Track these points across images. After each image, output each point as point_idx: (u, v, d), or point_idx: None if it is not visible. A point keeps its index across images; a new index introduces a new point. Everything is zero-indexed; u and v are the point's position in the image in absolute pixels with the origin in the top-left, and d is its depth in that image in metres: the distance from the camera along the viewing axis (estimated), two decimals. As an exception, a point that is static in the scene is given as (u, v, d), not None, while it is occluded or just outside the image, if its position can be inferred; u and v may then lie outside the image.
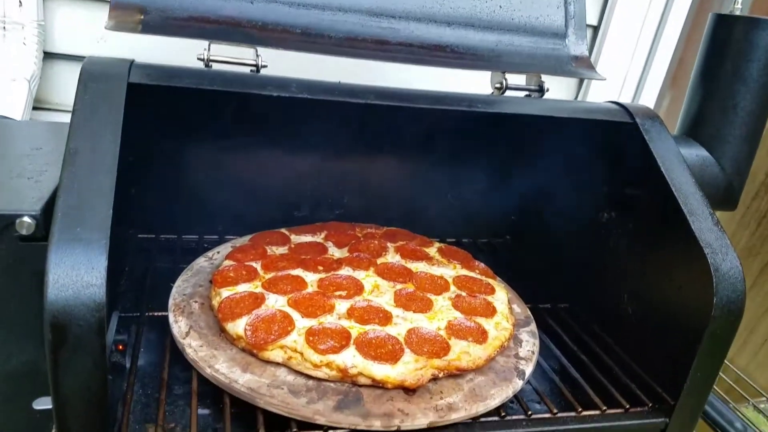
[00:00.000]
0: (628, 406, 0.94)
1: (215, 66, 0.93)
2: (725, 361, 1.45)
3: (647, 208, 1.01)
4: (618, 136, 1.04)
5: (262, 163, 1.29)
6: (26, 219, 0.72)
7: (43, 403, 0.78)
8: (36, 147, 0.98)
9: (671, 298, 0.95)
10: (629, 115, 1.00)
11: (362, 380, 0.86)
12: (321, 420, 0.79)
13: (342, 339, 0.90)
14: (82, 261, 0.64)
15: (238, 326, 0.90)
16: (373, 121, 1.23)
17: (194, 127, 1.21)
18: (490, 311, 1.04)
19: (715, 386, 1.27)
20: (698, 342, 0.87)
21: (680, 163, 0.95)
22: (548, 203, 1.34)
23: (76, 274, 0.64)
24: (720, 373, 1.41)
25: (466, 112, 0.90)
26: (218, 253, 1.16)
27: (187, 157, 1.25)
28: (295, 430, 0.79)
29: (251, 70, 0.94)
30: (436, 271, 1.15)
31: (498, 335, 0.98)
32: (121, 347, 0.96)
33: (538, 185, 1.36)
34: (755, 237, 1.29)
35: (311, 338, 0.89)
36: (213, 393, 0.88)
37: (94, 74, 0.82)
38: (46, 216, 0.73)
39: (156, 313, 1.00)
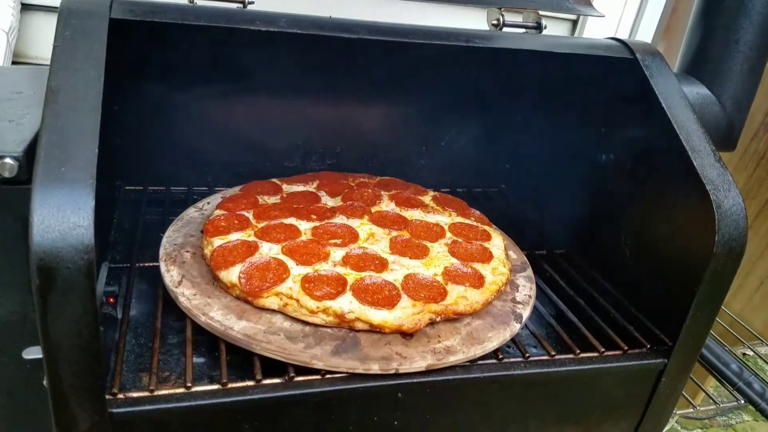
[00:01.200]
0: (626, 348, 0.94)
1: (200, 3, 0.88)
2: (716, 316, 1.46)
3: (648, 147, 0.99)
4: (618, 73, 1.01)
5: (251, 110, 1.25)
6: (8, 160, 0.69)
7: (33, 353, 0.76)
8: (16, 91, 0.93)
9: (671, 238, 0.94)
10: (629, 51, 0.96)
11: (359, 325, 0.85)
12: (319, 364, 0.78)
13: (338, 285, 0.88)
14: (68, 201, 0.62)
15: (231, 274, 0.88)
16: (365, 62, 1.18)
17: (180, 72, 1.16)
18: (486, 257, 1.03)
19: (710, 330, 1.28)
20: (698, 281, 0.86)
21: (682, 100, 0.93)
22: (545, 148, 1.31)
23: (63, 215, 0.61)
24: (716, 318, 1.42)
25: (462, 49, 0.87)
26: (208, 203, 1.13)
27: (173, 105, 1.20)
28: (292, 374, 0.78)
29: (238, 7, 0.89)
30: (432, 218, 1.13)
31: (495, 280, 0.97)
32: (111, 300, 0.94)
33: (535, 130, 1.33)
34: (753, 179, 1.28)
35: (307, 285, 0.87)
36: (207, 342, 0.87)
37: (75, 10, 0.78)
38: (28, 158, 0.70)
39: (147, 264, 0.98)
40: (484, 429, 0.89)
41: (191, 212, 1.09)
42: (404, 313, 0.86)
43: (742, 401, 1.07)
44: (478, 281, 0.95)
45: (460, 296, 0.91)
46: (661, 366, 0.93)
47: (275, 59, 1.13)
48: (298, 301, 0.85)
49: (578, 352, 0.91)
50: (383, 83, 1.27)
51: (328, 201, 1.15)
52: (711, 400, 1.14)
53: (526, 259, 1.12)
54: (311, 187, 1.19)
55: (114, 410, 0.69)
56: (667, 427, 2.05)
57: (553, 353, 0.90)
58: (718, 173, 0.86)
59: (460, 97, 1.34)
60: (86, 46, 0.74)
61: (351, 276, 0.91)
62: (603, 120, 1.10)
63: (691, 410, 1.07)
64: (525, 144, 1.35)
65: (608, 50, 0.96)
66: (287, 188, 1.17)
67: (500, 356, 0.87)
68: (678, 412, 2.09)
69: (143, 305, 0.94)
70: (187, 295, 0.87)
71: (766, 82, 1.26)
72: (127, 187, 1.22)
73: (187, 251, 0.97)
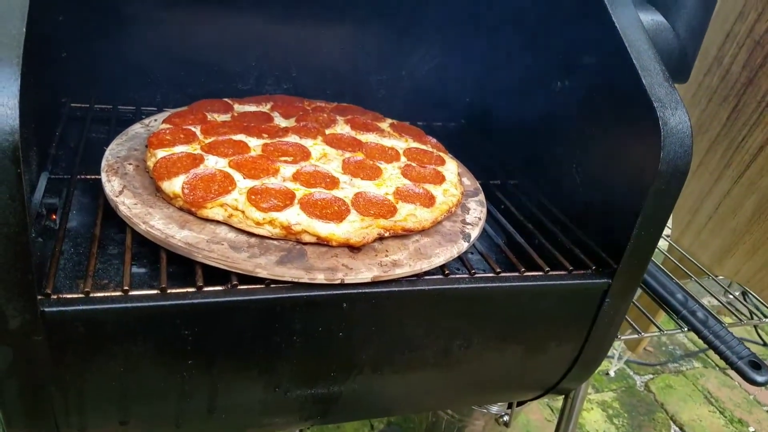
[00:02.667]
0: (571, 269, 0.95)
1: None
2: (671, 242, 1.50)
3: (598, 71, 0.98)
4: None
5: (205, 27, 1.20)
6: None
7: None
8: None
9: (618, 160, 0.95)
10: (588, -29, 0.95)
11: (306, 238, 0.84)
12: (263, 273, 0.78)
13: (286, 199, 0.87)
14: (-9, 80, 0.58)
15: (174, 184, 0.86)
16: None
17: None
18: (439, 180, 1.02)
19: (661, 265, 1.31)
20: (643, 200, 0.86)
21: (635, 20, 0.92)
22: (503, 81, 1.30)
23: (-16, 95, 0.58)
24: (665, 253, 1.46)
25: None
26: (155, 120, 1.09)
27: (121, 19, 1.14)
28: (235, 282, 0.77)
29: None
30: (387, 142, 1.12)
31: (445, 200, 0.97)
32: (54, 216, 0.91)
33: (493, 60, 1.32)
34: (705, 114, 1.29)
35: (253, 197, 0.85)
36: (149, 254, 0.85)
37: None
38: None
39: (89, 176, 0.95)
40: (429, 343, 0.90)
41: (137, 128, 1.06)
42: (352, 227, 0.85)
43: (686, 328, 1.10)
44: (428, 201, 0.95)
45: (409, 214, 0.91)
46: (605, 286, 0.94)
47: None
48: (243, 212, 0.83)
49: (523, 270, 0.92)
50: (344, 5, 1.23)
51: (281, 122, 1.12)
52: (657, 329, 1.17)
53: (479, 185, 1.12)
54: (265, 108, 1.16)
55: (46, 309, 0.67)
56: (616, 367, 2.13)
57: (498, 270, 0.91)
58: (666, 92, 0.86)
59: (420, 23, 1.31)
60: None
61: (300, 191, 0.90)
62: (558, 45, 1.09)
63: (636, 336, 1.10)
64: (484, 75, 1.34)
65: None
66: (239, 108, 1.13)
67: (446, 272, 0.88)
68: (626, 357, 2.17)
69: (84, 217, 0.92)
70: (128, 204, 0.84)
71: (720, 15, 1.26)
72: (72, 104, 1.17)
73: (130, 164, 0.94)
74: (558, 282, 0.93)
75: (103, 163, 0.93)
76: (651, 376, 2.36)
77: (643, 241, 0.90)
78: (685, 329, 1.08)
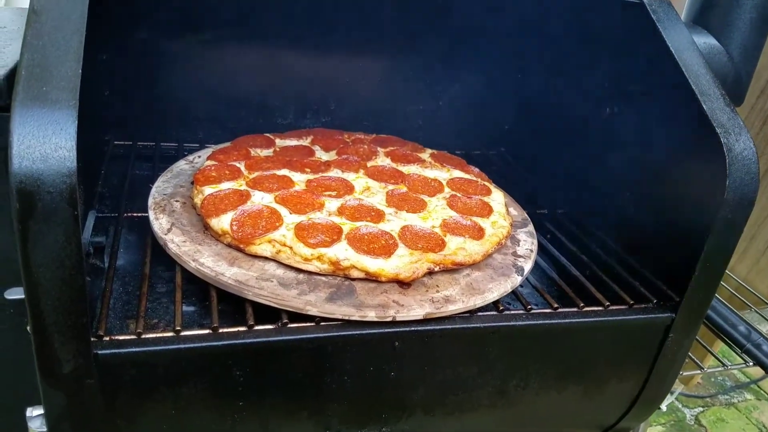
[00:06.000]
0: (632, 302, 0.91)
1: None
2: (726, 270, 1.43)
3: (654, 96, 0.95)
4: (624, 19, 0.97)
5: (243, 62, 1.21)
6: (-13, 86, 0.65)
7: (16, 293, 0.73)
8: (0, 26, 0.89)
9: (680, 189, 0.91)
10: (637, -6, 0.93)
11: (355, 273, 0.82)
12: (313, 311, 0.75)
13: (333, 234, 0.85)
14: (50, 121, 0.58)
15: (223, 221, 0.85)
16: (360, 10, 1.15)
17: (171, 24, 1.12)
18: (486, 211, 1.00)
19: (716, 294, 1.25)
20: (708, 230, 0.82)
21: (690, 44, 0.89)
22: (546, 106, 1.28)
23: (44, 135, 0.57)
24: (722, 283, 1.39)
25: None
26: (199, 156, 1.09)
27: (163, 58, 1.16)
28: (286, 321, 0.75)
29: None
30: (430, 173, 1.10)
31: (495, 232, 0.94)
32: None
33: (535, 86, 1.30)
34: (759, 137, 1.24)
35: (301, 232, 0.84)
36: (198, 291, 0.84)
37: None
38: (9, 84, 0.66)
39: (135, 214, 0.95)
40: (483, 383, 0.86)
41: (181, 164, 1.06)
42: (401, 261, 0.83)
43: (751, 363, 1.04)
44: (477, 233, 0.92)
45: (459, 247, 0.88)
46: (668, 321, 0.90)
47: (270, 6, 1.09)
48: (291, 248, 0.82)
49: (582, 305, 0.88)
50: (379, 36, 1.23)
51: (322, 155, 1.11)
52: (720, 363, 1.11)
53: (526, 215, 1.09)
54: (305, 142, 1.15)
55: (99, 352, 0.66)
56: (666, 402, 2.03)
57: (555, 306, 0.87)
58: (728, 117, 0.83)
59: (456, 52, 1.30)
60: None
61: (347, 225, 0.88)
62: (609, 71, 1.06)
63: (699, 371, 1.04)
64: (524, 102, 1.32)
65: (615, -7, 0.93)
66: (280, 142, 1.13)
67: (501, 308, 0.84)
68: (678, 391, 2.08)
69: (132, 255, 0.91)
70: (177, 242, 0.83)
71: (775, 36, 1.22)
72: (116, 142, 1.18)
73: (177, 201, 0.94)
74: (619, 317, 0.88)
75: (150, 200, 0.93)
76: (701, 408, 2.25)
77: (709, 272, 0.86)
78: (750, 363, 1.02)
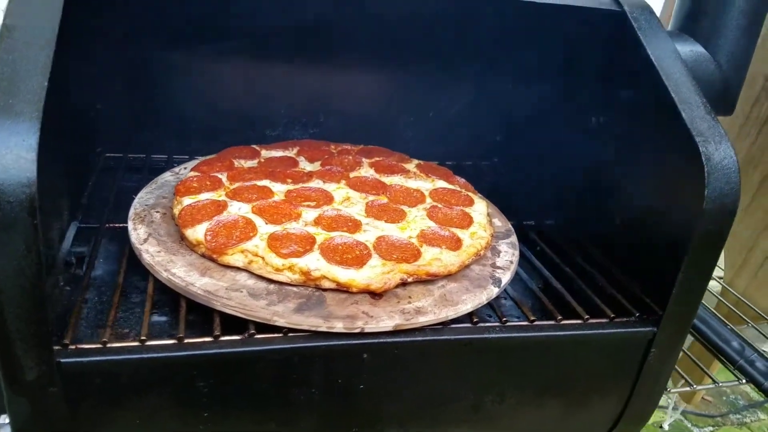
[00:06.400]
0: (613, 316, 0.89)
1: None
2: (724, 284, 1.40)
3: (637, 105, 0.94)
4: (606, 28, 0.96)
5: (232, 75, 1.22)
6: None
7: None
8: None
9: (661, 199, 0.89)
10: (617, 4, 0.91)
11: (326, 284, 0.81)
12: (280, 321, 0.75)
13: (306, 244, 0.85)
14: (12, 132, 0.60)
15: (197, 232, 0.85)
16: (348, 23, 1.15)
17: (161, 36, 1.14)
18: (466, 222, 0.99)
19: (714, 310, 1.22)
20: (688, 241, 0.80)
21: (672, 52, 0.88)
22: (535, 117, 1.26)
23: (6, 146, 0.59)
24: (718, 296, 1.36)
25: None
26: (185, 168, 1.10)
27: (155, 70, 1.18)
28: (252, 331, 0.74)
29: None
30: (413, 184, 1.09)
31: (473, 243, 0.93)
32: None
33: (524, 98, 1.29)
34: (755, 147, 1.21)
35: (273, 243, 0.84)
36: (171, 302, 0.84)
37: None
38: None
39: (117, 225, 0.96)
40: (458, 397, 0.85)
41: (167, 176, 1.07)
42: (373, 272, 0.82)
43: (744, 380, 1.01)
44: (455, 244, 0.91)
45: (434, 258, 0.87)
46: (650, 335, 0.87)
47: (260, 20, 1.10)
48: (263, 258, 0.82)
49: (560, 318, 0.86)
50: (368, 48, 1.23)
51: (306, 166, 1.11)
52: (712, 381, 1.08)
53: (510, 226, 1.07)
54: (291, 153, 1.16)
55: (62, 360, 0.67)
56: (669, 421, 1.98)
57: (532, 318, 0.85)
58: (708, 125, 0.81)
59: (445, 63, 1.30)
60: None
61: (321, 235, 0.88)
62: (594, 81, 1.05)
63: (689, 388, 1.01)
64: (515, 113, 1.31)
65: (594, 2, 0.92)
66: (266, 153, 1.14)
67: (475, 320, 0.83)
68: (682, 408, 2.02)
69: (111, 265, 0.92)
70: (151, 252, 0.84)
71: (766, 43, 1.20)
72: (107, 154, 1.20)
73: (158, 212, 0.95)
74: (598, 331, 0.86)
75: (131, 211, 0.94)
76: (711, 428, 2.18)
77: (691, 285, 0.84)
78: (743, 381, 0.99)
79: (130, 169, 1.17)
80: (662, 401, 2.19)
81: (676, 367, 1.07)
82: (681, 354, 0.93)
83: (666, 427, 1.87)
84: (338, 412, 0.81)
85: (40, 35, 0.68)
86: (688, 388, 1.00)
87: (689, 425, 2.13)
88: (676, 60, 0.87)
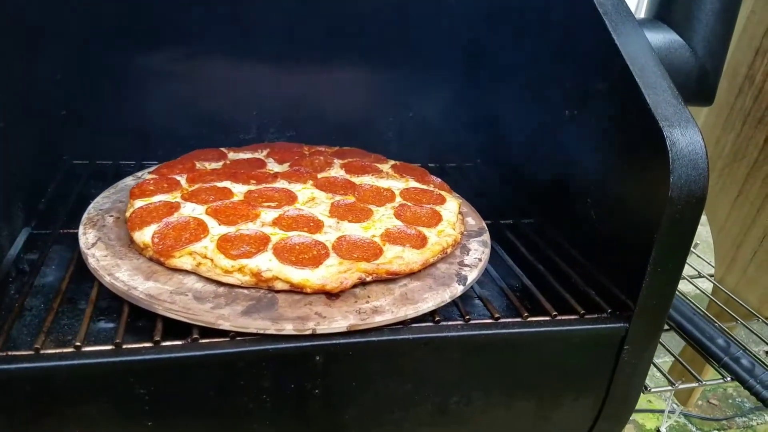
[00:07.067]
0: (583, 312, 0.84)
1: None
2: (714, 281, 1.35)
3: (609, 96, 0.90)
4: (571, 14, 0.93)
5: (203, 78, 1.20)
6: None
7: None
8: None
9: (629, 190, 0.85)
10: (579, -12, 0.88)
11: (279, 285, 0.78)
12: (225, 325, 0.72)
13: (260, 244, 0.82)
14: None
15: (145, 234, 0.82)
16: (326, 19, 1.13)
17: (129, 39, 1.12)
18: (435, 220, 0.95)
19: (705, 310, 1.17)
20: (656, 231, 0.76)
21: (639, 37, 0.84)
22: (517, 117, 1.23)
23: None
24: (709, 295, 1.31)
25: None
26: (149, 172, 1.07)
27: (122, 73, 1.16)
28: (195, 336, 0.71)
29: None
30: (384, 183, 1.06)
31: (439, 241, 0.89)
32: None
33: (506, 97, 1.25)
34: (741, 138, 1.16)
35: (224, 244, 0.81)
36: (119, 308, 0.81)
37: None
38: None
39: (71, 230, 0.93)
40: (421, 400, 0.81)
41: (128, 180, 1.04)
42: (329, 271, 0.79)
43: (729, 378, 0.96)
44: (419, 242, 0.88)
45: (395, 256, 0.84)
46: (623, 331, 0.83)
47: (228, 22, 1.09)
48: (212, 260, 0.78)
49: (526, 315, 0.82)
50: (348, 46, 1.21)
51: (274, 167, 1.08)
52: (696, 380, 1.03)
53: (484, 225, 1.04)
54: (260, 155, 1.13)
55: (-10, 367, 0.64)
56: (667, 423, 1.91)
57: (497, 316, 0.81)
58: (675, 110, 0.77)
59: (423, 63, 1.27)
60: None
61: (277, 236, 0.85)
62: (565, 74, 1.01)
63: (670, 387, 0.96)
64: (497, 113, 1.27)
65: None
66: (233, 156, 1.11)
67: (437, 318, 0.79)
68: (679, 410, 1.95)
69: (62, 272, 0.89)
70: (97, 257, 0.81)
71: (747, 32, 1.16)
72: (74, 161, 1.18)
73: (111, 216, 0.92)
74: (567, 327, 0.82)
75: (84, 216, 0.91)
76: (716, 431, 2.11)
77: (661, 277, 0.79)
78: (728, 378, 0.94)
79: (96, 175, 1.15)
80: (660, 404, 2.12)
81: (661, 368, 1.02)
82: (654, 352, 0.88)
83: (663, 430, 1.80)
84: (293, 420, 0.77)
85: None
86: (669, 387, 0.95)
87: (693, 429, 2.06)
88: (642, 45, 0.84)
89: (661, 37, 0.97)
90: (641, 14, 1.49)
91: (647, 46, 0.85)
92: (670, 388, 0.95)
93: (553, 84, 1.07)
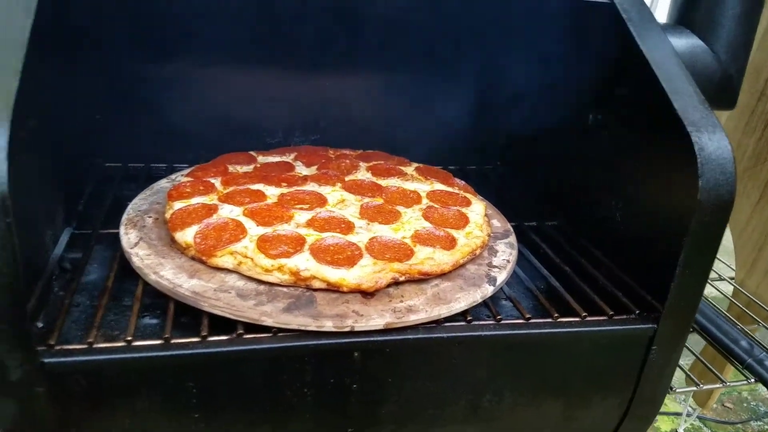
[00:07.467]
0: (612, 313, 0.87)
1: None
2: (736, 285, 1.36)
3: (632, 100, 0.92)
4: (596, 20, 0.95)
5: (232, 84, 1.23)
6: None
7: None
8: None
9: (657, 194, 0.87)
10: (605, -5, 0.91)
11: (316, 284, 0.80)
12: (268, 321, 0.74)
13: (297, 245, 0.84)
14: (-18, 133, 0.60)
15: (187, 234, 0.85)
16: (348, 26, 1.16)
17: (161, 47, 1.16)
18: (462, 222, 0.97)
19: (725, 312, 1.18)
20: (684, 234, 0.78)
21: (663, 42, 0.86)
22: (538, 120, 1.25)
23: (-25, 148, 0.59)
24: (730, 297, 1.32)
25: None
26: (182, 175, 1.10)
27: (155, 80, 1.19)
28: (240, 331, 0.74)
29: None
30: (410, 186, 1.09)
31: (468, 242, 0.92)
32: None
33: (527, 100, 1.27)
34: (762, 141, 1.18)
35: (263, 244, 0.83)
36: (164, 305, 0.83)
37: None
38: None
39: (111, 230, 0.96)
40: (455, 398, 0.83)
41: (162, 183, 1.07)
42: (363, 271, 0.81)
43: (752, 380, 0.98)
44: (449, 243, 0.90)
45: (427, 257, 0.86)
46: (651, 332, 0.85)
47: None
48: (252, 259, 0.81)
49: (556, 316, 0.84)
50: (369, 52, 1.24)
51: (302, 170, 1.11)
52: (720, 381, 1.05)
53: (510, 227, 1.06)
54: (288, 158, 1.16)
55: (46, 360, 0.67)
56: (683, 426, 1.92)
57: (528, 316, 0.84)
58: (702, 115, 0.79)
59: (442, 67, 1.30)
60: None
61: (312, 237, 0.87)
62: (589, 77, 1.04)
63: (694, 388, 0.98)
64: (517, 114, 1.29)
65: (583, -5, 0.91)
66: (262, 159, 1.14)
67: (469, 318, 0.81)
68: (696, 413, 1.96)
69: (105, 271, 0.91)
70: (141, 255, 0.84)
71: (768, 36, 1.18)
72: (107, 164, 1.21)
73: (150, 216, 0.95)
74: (596, 328, 0.84)
75: (124, 216, 0.94)
76: (732, 436, 2.11)
77: (689, 280, 0.82)
78: (752, 380, 0.95)
79: (129, 178, 1.18)
80: (678, 407, 2.13)
81: (684, 369, 1.04)
82: (694, 359, 0.90)
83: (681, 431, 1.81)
84: (332, 413, 0.79)
85: (12, 39, 0.68)
86: (694, 388, 0.96)
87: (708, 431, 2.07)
88: (668, 51, 0.86)
89: (683, 42, 0.99)
90: (655, 14, 1.51)
91: (672, 51, 0.87)
92: (694, 388, 0.97)
93: (577, 88, 1.09)
